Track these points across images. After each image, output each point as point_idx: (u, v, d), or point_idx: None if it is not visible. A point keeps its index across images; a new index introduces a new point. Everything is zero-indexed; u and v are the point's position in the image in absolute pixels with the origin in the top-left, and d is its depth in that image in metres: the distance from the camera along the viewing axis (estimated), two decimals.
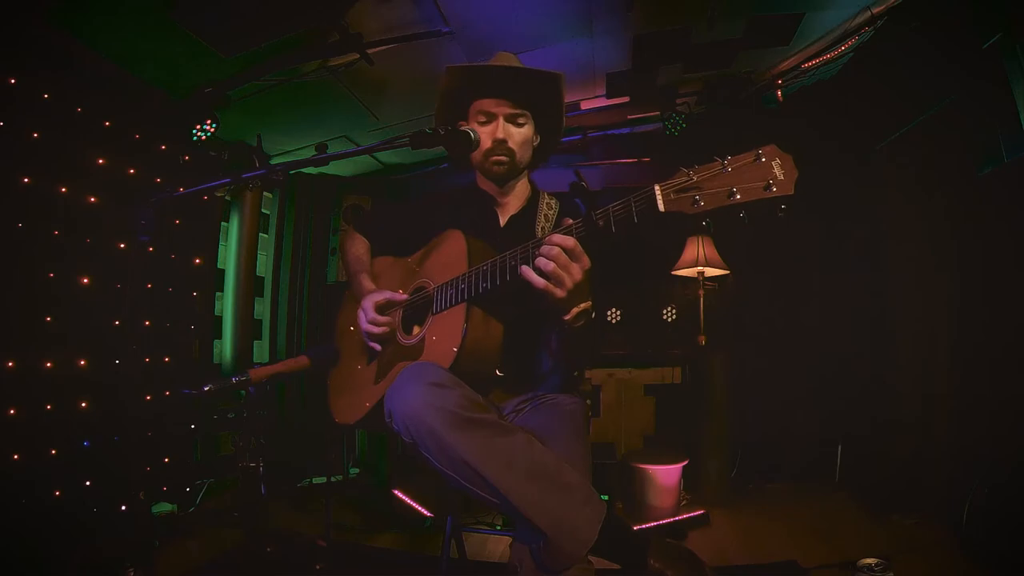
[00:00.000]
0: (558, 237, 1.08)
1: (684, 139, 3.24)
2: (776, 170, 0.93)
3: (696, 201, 0.96)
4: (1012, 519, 1.84)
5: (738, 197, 0.94)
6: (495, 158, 1.43)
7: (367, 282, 1.52)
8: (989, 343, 2.33)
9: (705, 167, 0.97)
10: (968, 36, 2.24)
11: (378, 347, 1.43)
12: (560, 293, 1.08)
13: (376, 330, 1.40)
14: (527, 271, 1.11)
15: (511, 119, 1.43)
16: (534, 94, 1.44)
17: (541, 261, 1.08)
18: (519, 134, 1.45)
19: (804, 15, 2.60)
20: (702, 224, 0.99)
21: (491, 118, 1.43)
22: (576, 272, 1.07)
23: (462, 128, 1.30)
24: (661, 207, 0.98)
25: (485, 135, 1.42)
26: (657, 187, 0.99)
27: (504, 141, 1.42)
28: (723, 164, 0.96)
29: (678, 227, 3.45)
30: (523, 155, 1.47)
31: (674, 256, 3.44)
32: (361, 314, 1.42)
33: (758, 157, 0.94)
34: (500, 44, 2.67)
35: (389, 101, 3.18)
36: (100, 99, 2.57)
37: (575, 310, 1.13)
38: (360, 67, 2.68)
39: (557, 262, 1.06)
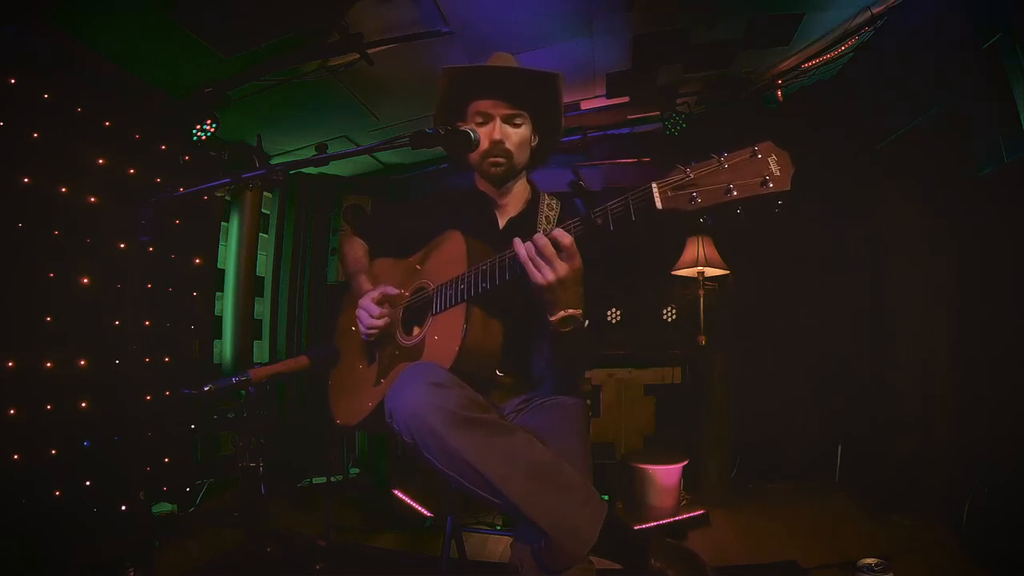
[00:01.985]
0: (557, 232, 1.08)
1: (684, 139, 3.25)
2: (772, 166, 0.94)
3: (693, 198, 0.96)
4: (1012, 519, 1.84)
5: (735, 194, 0.94)
6: (492, 159, 1.42)
7: (366, 283, 1.51)
8: (989, 343, 2.33)
9: (702, 164, 0.97)
10: (968, 36, 2.24)
11: (363, 334, 1.42)
12: (539, 277, 1.08)
13: (377, 323, 1.39)
14: (517, 243, 1.12)
15: (508, 120, 1.43)
16: (532, 94, 1.44)
17: (527, 245, 1.10)
18: (516, 135, 1.44)
19: (804, 15, 2.60)
20: (699, 221, 0.99)
21: (488, 119, 1.42)
22: (560, 268, 1.08)
23: (462, 128, 1.30)
24: (659, 205, 0.98)
25: (482, 136, 1.41)
26: (654, 185, 0.99)
27: (501, 142, 1.41)
28: (719, 161, 0.96)
29: (678, 227, 3.46)
30: (521, 156, 1.46)
31: (674, 256, 3.44)
32: (360, 312, 1.42)
33: (754, 154, 0.95)
34: (500, 44, 2.67)
35: (389, 101, 3.18)
36: (100, 99, 2.57)
37: (561, 313, 1.13)
38: (360, 67, 2.68)
39: (543, 251, 1.08)
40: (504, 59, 1.48)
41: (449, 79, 1.44)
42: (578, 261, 1.08)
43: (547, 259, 1.08)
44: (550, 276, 1.08)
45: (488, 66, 1.43)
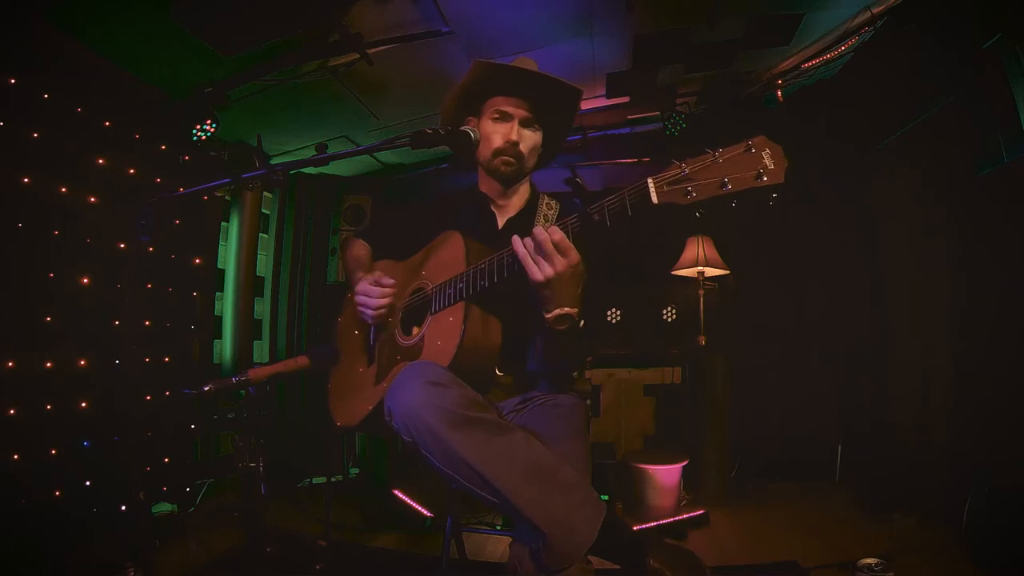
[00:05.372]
0: (551, 228, 1.09)
1: (684, 139, 3.25)
2: (766, 160, 0.95)
3: (689, 192, 0.97)
4: (1012, 519, 1.84)
5: (730, 187, 0.95)
6: (505, 158, 1.43)
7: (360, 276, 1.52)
8: (989, 343, 2.33)
9: (697, 159, 0.99)
10: (968, 36, 2.24)
11: (371, 317, 1.42)
12: (537, 273, 1.08)
13: (383, 301, 1.39)
14: (516, 240, 1.12)
15: (526, 123, 1.44)
16: (552, 104, 1.45)
17: (526, 241, 1.10)
18: (531, 139, 1.45)
19: (804, 15, 2.60)
20: (695, 215, 0.99)
21: (506, 118, 1.43)
22: (558, 263, 1.08)
23: (462, 129, 1.31)
24: (655, 199, 0.99)
25: (497, 134, 1.42)
26: (650, 180, 1.00)
27: (516, 143, 1.42)
28: (714, 156, 0.98)
29: (676, 223, 3.46)
30: (531, 160, 1.48)
31: (674, 256, 3.44)
32: (361, 298, 1.41)
33: (748, 148, 0.96)
34: (500, 44, 2.68)
35: (389, 101, 3.18)
36: (100, 99, 2.57)
37: (557, 311, 1.13)
38: (360, 67, 2.68)
39: (541, 246, 1.08)
40: (527, 63, 1.48)
41: (478, 72, 1.44)
42: (575, 257, 1.09)
43: (545, 254, 1.08)
44: (548, 271, 1.08)
45: (519, 67, 1.43)
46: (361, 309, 1.43)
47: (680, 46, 2.83)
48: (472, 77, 1.45)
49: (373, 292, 1.40)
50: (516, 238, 1.12)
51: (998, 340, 2.26)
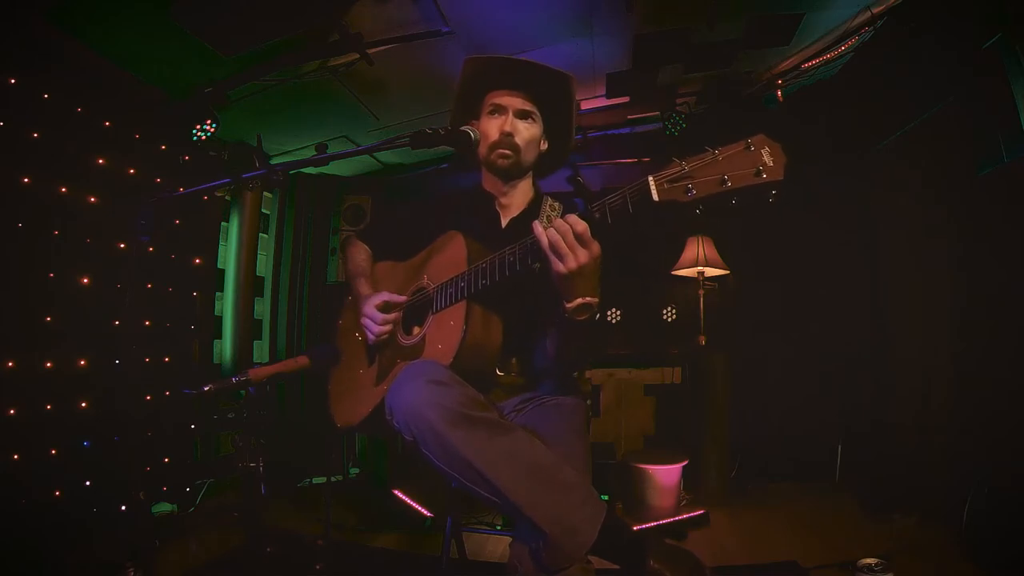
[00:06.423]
0: (571, 218, 1.07)
1: (684, 139, 3.25)
2: (766, 157, 0.95)
3: (689, 190, 0.98)
4: (1012, 519, 1.84)
5: (729, 184, 0.96)
6: (501, 151, 1.43)
7: (364, 287, 1.52)
8: (989, 343, 2.33)
9: (697, 157, 1.00)
10: (968, 36, 2.24)
11: (372, 340, 1.44)
12: (560, 266, 1.07)
13: (385, 328, 1.41)
14: (536, 225, 1.11)
15: (521, 115, 1.44)
16: (545, 93, 1.45)
17: (551, 232, 1.08)
18: (527, 131, 1.45)
19: (804, 15, 2.60)
20: (695, 212, 0.99)
21: (501, 111, 1.44)
22: (581, 255, 1.07)
23: (462, 129, 1.32)
24: (655, 197, 1.00)
25: (493, 127, 1.43)
26: (651, 178, 1.00)
27: (511, 135, 1.42)
28: (714, 154, 0.99)
29: (677, 225, 3.46)
30: (528, 154, 1.47)
31: (674, 256, 3.44)
32: (366, 320, 1.43)
33: (748, 146, 0.97)
34: (500, 44, 2.68)
35: (389, 101, 3.18)
36: (100, 99, 2.57)
37: (579, 300, 1.12)
38: (360, 67, 2.68)
39: (565, 237, 1.06)
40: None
41: (470, 69, 1.46)
42: (597, 249, 1.08)
43: (570, 246, 1.07)
44: (571, 264, 1.07)
45: (507, 57, 1.44)
46: (365, 330, 1.45)
47: (680, 46, 2.83)
48: (465, 74, 1.47)
49: (377, 318, 1.41)
50: (540, 229, 1.10)
51: (998, 340, 2.25)
